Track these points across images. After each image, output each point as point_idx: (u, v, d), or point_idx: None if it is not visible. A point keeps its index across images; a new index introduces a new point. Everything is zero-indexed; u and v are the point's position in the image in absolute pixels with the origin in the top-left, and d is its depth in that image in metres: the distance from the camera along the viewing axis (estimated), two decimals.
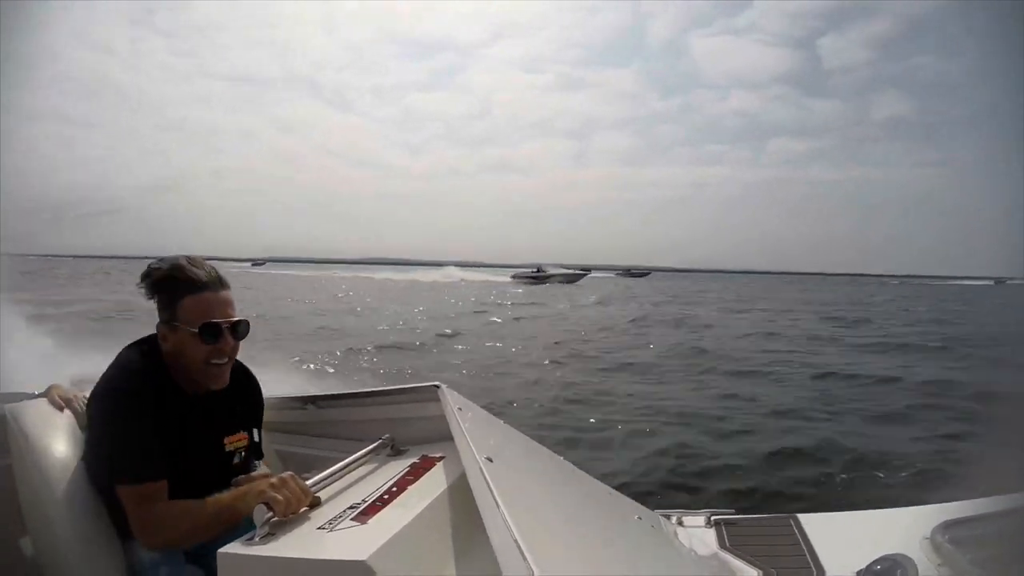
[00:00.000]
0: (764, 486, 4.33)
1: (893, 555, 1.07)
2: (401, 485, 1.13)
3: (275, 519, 0.97)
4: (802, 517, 1.41)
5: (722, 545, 1.34)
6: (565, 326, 16.31)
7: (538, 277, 48.78)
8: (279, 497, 1.00)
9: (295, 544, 0.92)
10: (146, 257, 1.32)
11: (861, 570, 1.08)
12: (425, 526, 0.98)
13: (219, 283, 1.27)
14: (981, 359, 10.48)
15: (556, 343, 12.22)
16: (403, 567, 0.87)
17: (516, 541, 0.70)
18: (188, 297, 1.24)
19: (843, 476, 4.51)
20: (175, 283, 1.24)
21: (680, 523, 1.45)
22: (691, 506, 1.53)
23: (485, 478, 0.88)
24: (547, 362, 9.97)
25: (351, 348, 10.42)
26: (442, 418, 1.25)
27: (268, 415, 1.67)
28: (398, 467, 1.24)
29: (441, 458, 1.26)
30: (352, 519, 0.98)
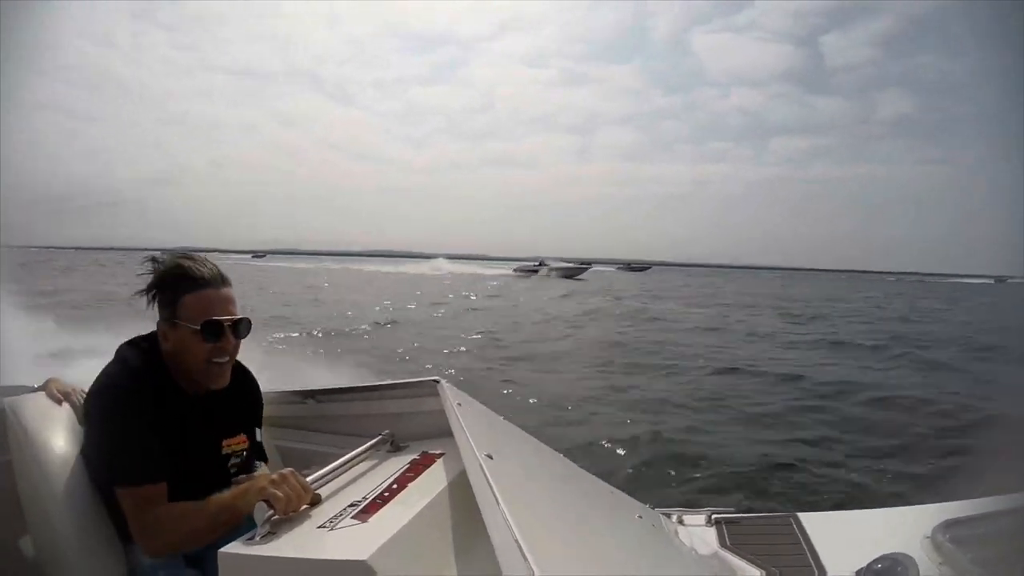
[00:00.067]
0: None
1: (894, 554, 1.07)
2: (401, 482, 1.12)
3: (276, 517, 0.97)
4: (803, 516, 1.41)
5: (723, 544, 1.34)
6: (508, 318, 16.45)
7: (539, 271, 48.76)
8: (280, 494, 0.99)
9: (296, 543, 0.92)
10: (146, 249, 1.32)
11: (862, 569, 1.08)
12: (426, 524, 0.98)
13: (220, 280, 1.26)
14: (913, 360, 10.34)
15: (479, 333, 12.56)
16: (404, 566, 0.87)
17: (516, 540, 0.69)
18: (189, 294, 1.22)
19: (630, 471, 4.45)
20: (176, 280, 1.23)
21: (681, 522, 1.45)
22: (692, 505, 1.53)
23: (485, 476, 0.88)
24: (460, 349, 10.35)
25: (288, 335, 10.68)
26: (442, 414, 1.24)
27: (268, 410, 1.67)
28: (398, 463, 1.23)
29: (441, 455, 1.25)
30: (353, 517, 0.98)
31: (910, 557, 1.06)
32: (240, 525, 1.07)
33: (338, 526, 0.96)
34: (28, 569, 1.33)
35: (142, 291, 1.27)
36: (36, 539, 1.31)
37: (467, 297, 24.23)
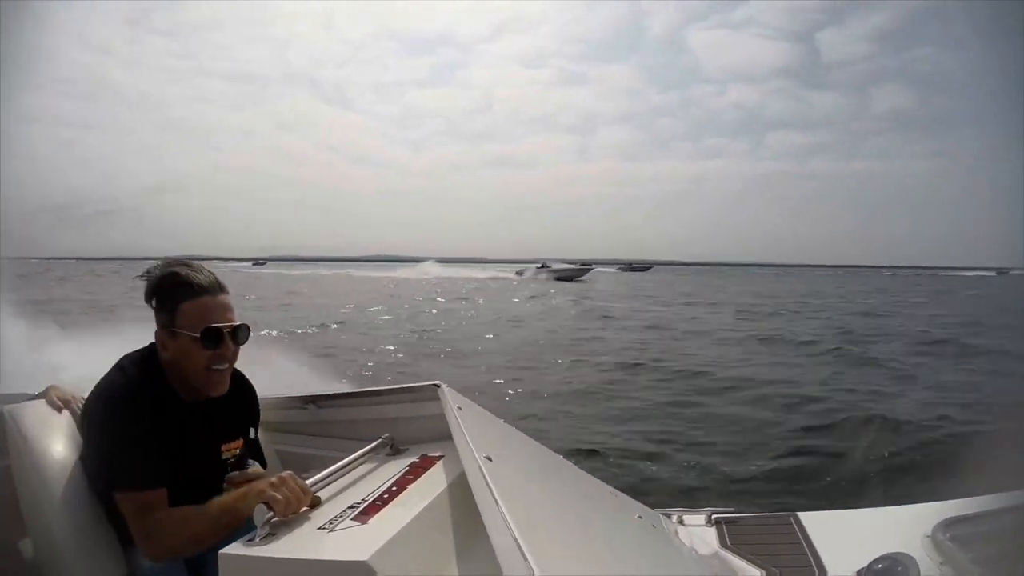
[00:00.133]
0: None
1: (894, 553, 1.07)
2: (401, 484, 1.12)
3: (275, 519, 0.97)
4: (803, 515, 1.41)
5: (723, 544, 1.34)
6: (457, 319, 17.25)
7: (539, 274, 48.87)
8: (279, 497, 0.99)
9: (296, 544, 0.92)
10: (146, 258, 1.33)
11: (862, 568, 1.08)
12: (425, 526, 0.98)
13: (218, 287, 1.27)
14: (840, 356, 10.30)
15: (415, 333, 13.40)
16: (404, 567, 0.87)
17: (516, 541, 0.69)
18: (187, 302, 1.23)
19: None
20: (174, 288, 1.23)
21: (681, 522, 1.45)
22: (692, 505, 1.53)
23: (484, 477, 0.88)
24: (388, 348, 11.15)
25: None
26: (441, 417, 1.25)
27: (268, 415, 1.67)
28: (398, 466, 1.23)
29: (441, 457, 1.25)
30: (352, 519, 0.98)
31: (911, 556, 1.05)
32: (240, 528, 1.07)
33: (338, 527, 0.96)
34: (28, 574, 1.33)
35: (142, 276, 1.27)
36: (36, 545, 1.31)
37: (435, 300, 25.05)
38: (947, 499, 1.33)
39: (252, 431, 1.42)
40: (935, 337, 12.64)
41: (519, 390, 7.56)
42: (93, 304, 16.12)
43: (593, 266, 58.20)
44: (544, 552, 0.69)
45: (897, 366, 9.16)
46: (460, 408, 1.23)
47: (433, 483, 1.13)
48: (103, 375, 1.25)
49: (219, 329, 1.23)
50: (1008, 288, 44.56)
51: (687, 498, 4.01)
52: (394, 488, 1.10)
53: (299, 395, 1.70)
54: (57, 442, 1.27)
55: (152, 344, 1.28)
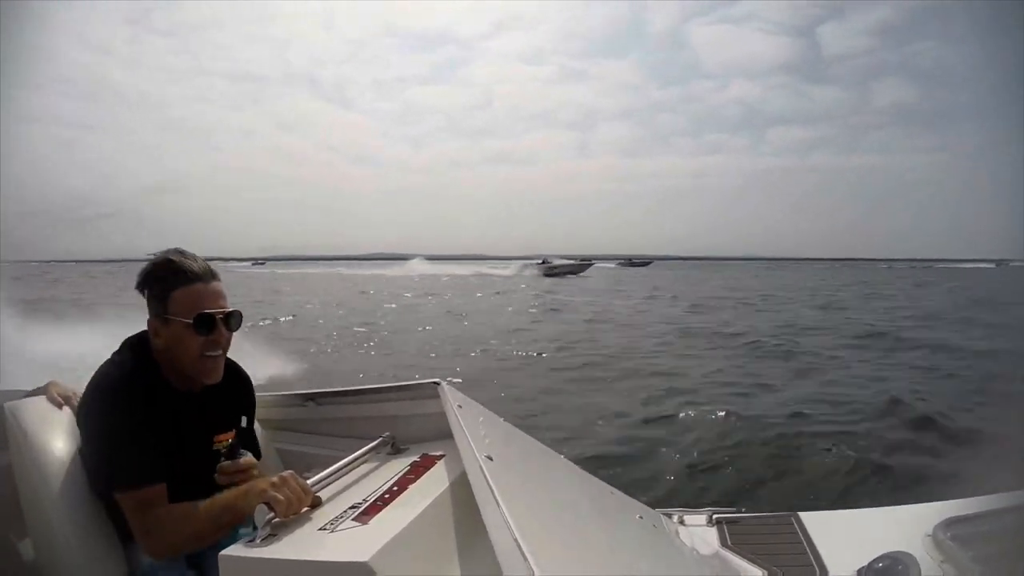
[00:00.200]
0: None
1: (895, 553, 1.07)
2: (402, 484, 1.12)
3: (276, 519, 0.97)
4: (804, 515, 1.41)
5: (724, 544, 1.34)
6: (414, 312, 18.21)
7: (549, 269, 49.23)
8: (280, 497, 0.99)
9: (297, 545, 0.92)
10: (145, 260, 1.32)
11: (863, 568, 1.08)
12: (426, 526, 0.98)
13: (211, 275, 1.26)
14: (755, 348, 10.28)
15: (364, 325, 14.33)
16: (405, 567, 0.87)
17: (517, 541, 0.69)
18: (180, 289, 1.22)
19: None
20: (166, 276, 1.23)
21: (681, 522, 1.45)
22: (693, 505, 1.53)
23: (485, 477, 0.88)
24: (333, 335, 12.42)
25: None
26: (442, 416, 1.25)
27: (268, 412, 1.66)
28: (398, 466, 1.23)
29: (441, 456, 1.25)
30: (353, 519, 0.98)
31: (911, 556, 1.05)
32: (241, 526, 1.07)
33: (339, 528, 0.96)
34: (28, 572, 1.33)
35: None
36: (36, 542, 1.31)
37: (402, 296, 25.91)
38: (948, 499, 1.33)
39: (244, 420, 1.41)
40: (876, 330, 12.48)
41: (415, 374, 7.84)
42: (76, 302, 17.32)
43: (594, 262, 58.26)
44: (545, 552, 0.69)
45: (809, 360, 9.09)
46: (460, 406, 1.23)
47: (434, 483, 1.13)
48: (97, 368, 1.24)
49: (212, 315, 1.23)
50: (1000, 280, 43.98)
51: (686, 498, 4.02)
52: (395, 488, 1.10)
53: (298, 392, 1.71)
54: (57, 439, 1.27)
55: (143, 333, 1.28)
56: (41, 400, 1.36)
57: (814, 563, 1.21)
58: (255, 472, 1.29)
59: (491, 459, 0.96)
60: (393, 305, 21.04)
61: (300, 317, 16.35)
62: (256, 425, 1.52)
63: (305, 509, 1.03)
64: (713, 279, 47.40)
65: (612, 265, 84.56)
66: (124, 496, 1.14)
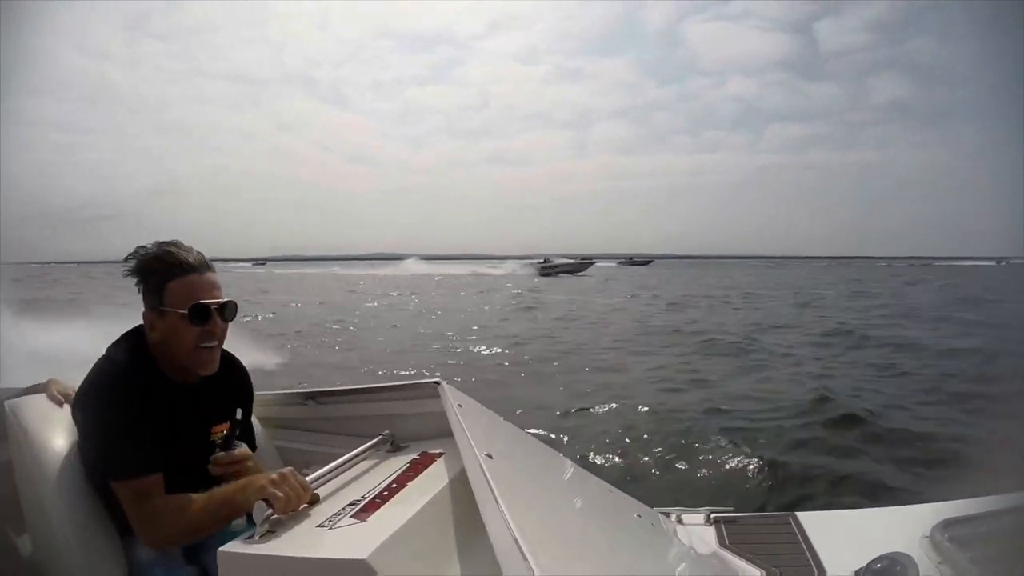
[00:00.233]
0: None
1: (893, 553, 1.07)
2: (401, 482, 1.12)
3: (275, 516, 0.97)
4: (801, 515, 1.41)
5: (722, 543, 1.34)
6: (394, 311, 18.60)
7: (545, 268, 49.32)
8: (279, 494, 0.99)
9: (295, 542, 0.92)
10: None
11: (861, 568, 1.08)
12: (425, 523, 0.98)
13: (205, 266, 1.27)
14: (706, 343, 10.44)
15: (336, 323, 14.76)
16: (403, 565, 0.87)
17: (515, 539, 0.69)
18: (175, 280, 1.22)
19: None
20: (161, 268, 1.23)
21: (679, 521, 1.45)
22: (691, 505, 1.53)
23: (485, 475, 0.88)
24: (299, 330, 12.99)
25: None
26: (442, 414, 1.25)
27: (268, 411, 1.67)
28: (398, 463, 1.23)
29: (441, 454, 1.25)
30: (352, 516, 0.98)
31: (909, 556, 1.05)
32: (239, 520, 1.07)
33: (337, 525, 0.96)
34: (27, 569, 1.33)
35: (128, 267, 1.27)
36: (35, 538, 1.31)
37: (388, 295, 26.60)
38: (946, 500, 1.33)
39: (239, 411, 1.40)
40: (844, 328, 12.44)
41: (368, 368, 8.53)
42: (71, 302, 17.33)
43: (595, 261, 58.39)
44: (543, 551, 0.69)
45: (760, 358, 9.04)
46: (460, 405, 1.23)
47: (433, 480, 1.13)
48: (94, 363, 1.24)
49: (207, 306, 1.23)
50: (998, 278, 43.66)
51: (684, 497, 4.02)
52: (394, 485, 1.10)
53: (299, 391, 1.71)
54: (57, 436, 1.27)
55: (139, 327, 1.28)
56: (41, 398, 1.36)
57: (812, 563, 1.21)
58: (249, 463, 1.29)
59: (491, 457, 0.96)
60: (374, 304, 21.41)
61: (280, 315, 16.72)
62: (255, 421, 1.52)
63: (304, 506, 1.03)
64: (707, 277, 47.46)
65: (613, 264, 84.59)
66: (121, 486, 1.14)
